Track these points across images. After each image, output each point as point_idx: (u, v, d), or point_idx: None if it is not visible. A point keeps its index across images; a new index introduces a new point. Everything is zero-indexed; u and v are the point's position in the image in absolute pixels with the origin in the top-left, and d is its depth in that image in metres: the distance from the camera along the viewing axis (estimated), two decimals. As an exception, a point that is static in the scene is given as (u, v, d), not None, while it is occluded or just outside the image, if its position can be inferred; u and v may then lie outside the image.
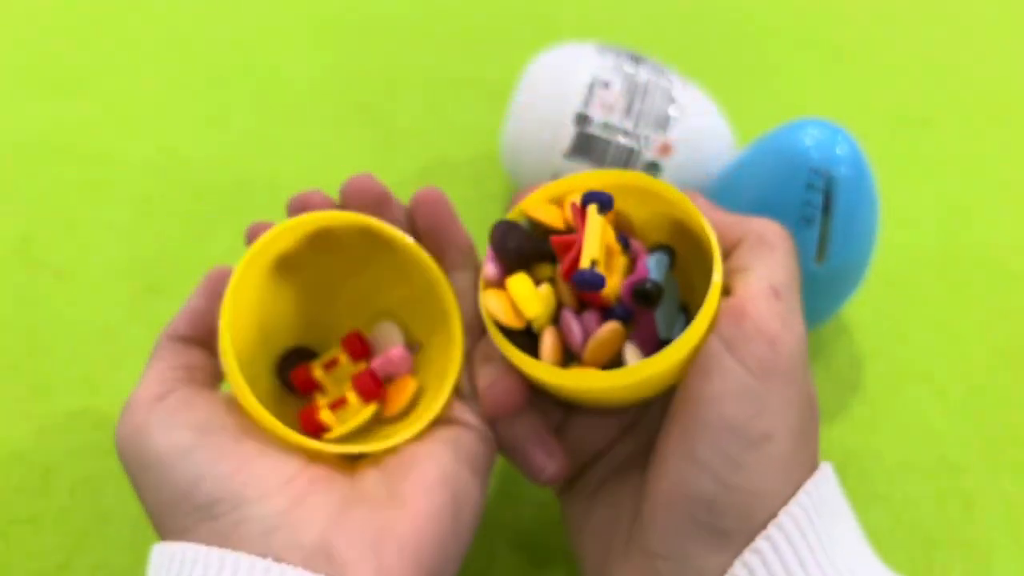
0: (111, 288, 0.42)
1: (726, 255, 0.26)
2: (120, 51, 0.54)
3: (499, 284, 0.26)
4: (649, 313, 0.25)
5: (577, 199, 0.26)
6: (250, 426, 0.25)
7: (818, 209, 0.33)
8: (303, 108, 0.51)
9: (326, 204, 0.28)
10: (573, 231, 0.26)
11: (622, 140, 0.39)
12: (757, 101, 0.52)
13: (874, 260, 0.37)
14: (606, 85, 0.39)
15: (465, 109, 0.51)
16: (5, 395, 0.38)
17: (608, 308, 0.26)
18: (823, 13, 0.60)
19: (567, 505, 0.29)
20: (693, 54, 0.56)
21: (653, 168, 0.39)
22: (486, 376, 0.27)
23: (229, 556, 0.22)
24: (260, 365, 0.29)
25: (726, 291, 0.25)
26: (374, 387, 0.28)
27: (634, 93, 0.39)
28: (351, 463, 0.27)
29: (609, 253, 0.26)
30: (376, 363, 0.29)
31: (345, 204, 0.29)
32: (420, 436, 0.27)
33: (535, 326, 0.26)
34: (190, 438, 0.24)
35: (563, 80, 0.39)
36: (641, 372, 0.24)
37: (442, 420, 0.28)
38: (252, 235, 0.28)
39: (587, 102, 0.39)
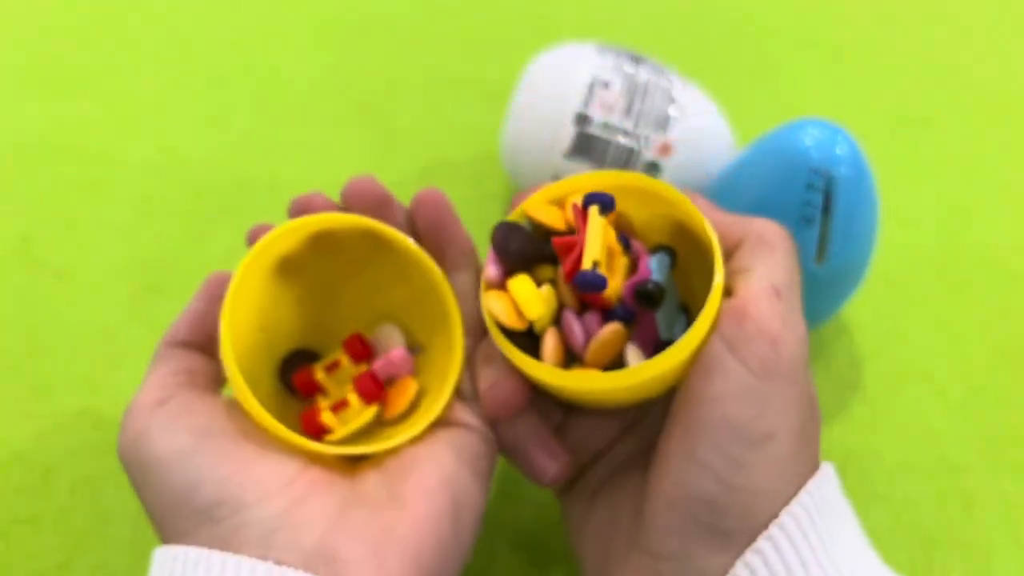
0: (111, 288, 0.42)
1: (726, 256, 0.26)
2: (120, 51, 0.54)
3: (501, 285, 0.26)
4: (650, 314, 0.25)
5: (579, 200, 0.26)
6: (250, 429, 0.25)
7: (818, 209, 0.33)
8: (303, 108, 0.51)
9: (327, 206, 0.28)
10: (574, 232, 0.26)
11: (622, 140, 0.39)
12: (757, 101, 0.52)
13: (874, 260, 0.37)
14: (606, 85, 0.39)
15: (465, 109, 0.51)
16: (5, 395, 0.38)
17: (609, 309, 0.26)
18: (823, 13, 0.60)
19: (567, 506, 0.29)
20: (693, 54, 0.56)
21: (653, 168, 0.39)
22: (487, 377, 0.27)
23: (231, 559, 0.22)
24: (262, 367, 0.29)
25: (727, 291, 0.25)
26: (375, 389, 0.28)
27: (634, 93, 0.39)
28: (352, 465, 0.27)
29: (610, 254, 0.26)
30: (377, 365, 0.29)
31: (346, 206, 0.29)
32: (421, 438, 0.27)
33: (537, 327, 0.26)
34: (190, 441, 0.24)
35: (563, 80, 0.39)
36: (643, 373, 0.24)
37: (443, 422, 0.27)
38: (253, 237, 0.28)
39: (587, 102, 0.39)
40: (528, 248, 0.26)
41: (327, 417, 0.28)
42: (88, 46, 0.54)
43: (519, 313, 0.25)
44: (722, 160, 0.40)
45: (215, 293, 0.28)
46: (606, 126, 0.39)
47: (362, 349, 0.30)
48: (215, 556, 0.22)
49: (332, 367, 0.30)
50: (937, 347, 0.41)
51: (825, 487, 0.24)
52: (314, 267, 0.29)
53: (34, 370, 0.39)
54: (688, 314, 0.28)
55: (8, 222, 0.44)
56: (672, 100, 0.40)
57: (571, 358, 0.26)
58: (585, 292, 0.24)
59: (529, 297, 0.25)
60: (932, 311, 0.43)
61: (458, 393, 0.28)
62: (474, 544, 0.26)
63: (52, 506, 0.35)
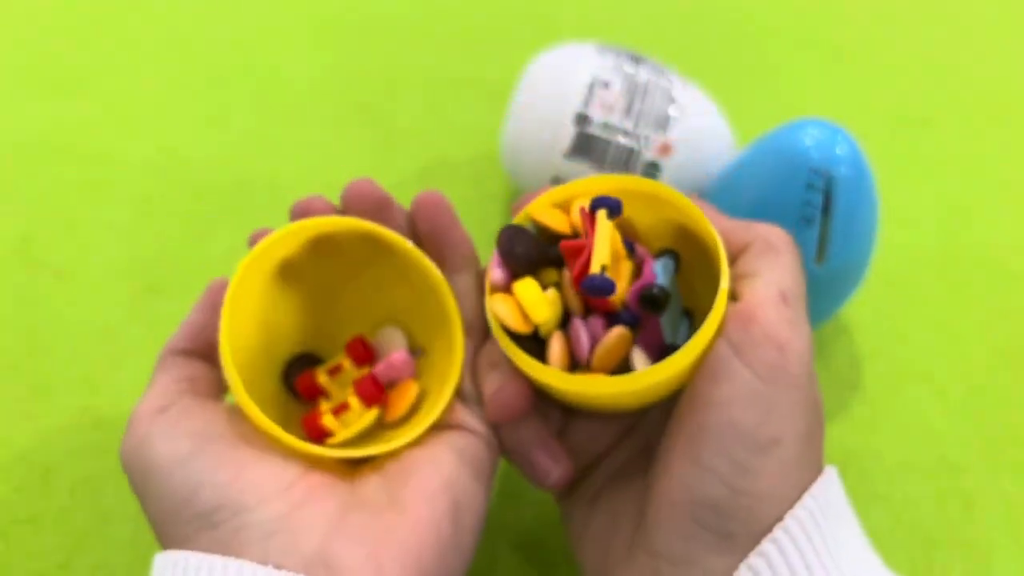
0: (111, 288, 0.42)
1: (731, 260, 0.26)
2: (120, 51, 0.54)
3: (506, 289, 0.26)
4: (654, 318, 0.25)
5: (586, 204, 0.26)
6: (250, 433, 0.25)
7: (818, 209, 0.33)
8: (303, 108, 0.51)
9: (327, 209, 0.28)
10: (579, 236, 0.26)
11: (622, 140, 0.39)
12: (757, 101, 0.52)
13: (874, 260, 0.37)
14: (606, 85, 0.39)
15: (465, 109, 0.51)
16: (5, 395, 0.38)
17: (614, 313, 0.25)
18: (823, 13, 0.60)
19: (567, 510, 0.29)
20: (693, 54, 0.56)
21: (653, 168, 0.39)
22: (492, 381, 0.27)
23: (231, 564, 0.22)
24: (264, 371, 0.29)
25: (732, 296, 0.25)
26: (375, 392, 0.28)
27: (634, 93, 0.39)
28: (352, 469, 0.27)
29: (615, 258, 0.25)
30: (378, 368, 0.29)
31: (346, 209, 0.29)
32: (422, 440, 0.27)
33: (542, 331, 0.26)
34: (190, 447, 0.24)
35: (563, 80, 0.39)
36: (650, 377, 0.24)
37: (444, 424, 0.27)
38: (253, 242, 0.28)
39: (587, 102, 0.39)
40: (534, 252, 0.26)
41: (328, 420, 0.28)
42: (88, 46, 0.54)
43: (525, 317, 0.25)
44: (722, 160, 0.40)
45: (216, 301, 0.28)
46: (606, 126, 0.39)
47: (364, 352, 0.30)
48: (215, 561, 0.22)
49: (335, 370, 0.30)
50: (937, 347, 0.41)
51: (829, 491, 0.24)
52: (314, 271, 0.29)
53: (34, 370, 0.39)
54: (691, 318, 0.28)
55: (8, 222, 0.44)
56: (672, 100, 0.40)
57: (575, 362, 0.26)
58: (594, 296, 0.24)
59: (535, 301, 0.25)
60: (932, 311, 0.43)
61: (459, 395, 0.28)
62: (476, 546, 0.26)
63: (52, 506, 0.35)
